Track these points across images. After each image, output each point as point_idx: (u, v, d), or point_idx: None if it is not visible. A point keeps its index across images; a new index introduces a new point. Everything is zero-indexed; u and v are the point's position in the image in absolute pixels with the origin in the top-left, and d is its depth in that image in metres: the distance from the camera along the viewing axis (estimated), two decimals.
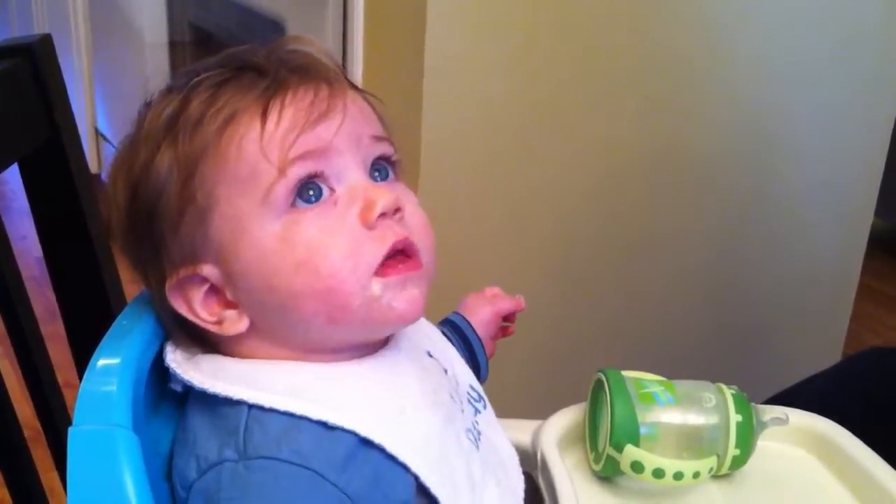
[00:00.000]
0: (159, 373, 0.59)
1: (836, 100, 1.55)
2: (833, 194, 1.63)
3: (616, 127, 1.37)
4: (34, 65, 0.74)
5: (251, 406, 0.54)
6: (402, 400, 0.58)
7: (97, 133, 2.63)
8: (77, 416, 0.53)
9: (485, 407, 0.67)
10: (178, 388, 0.58)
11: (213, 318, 0.57)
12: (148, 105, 0.58)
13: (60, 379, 0.79)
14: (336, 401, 0.55)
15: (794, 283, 1.65)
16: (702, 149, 1.46)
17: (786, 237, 1.61)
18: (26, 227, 0.81)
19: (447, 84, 1.22)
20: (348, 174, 0.56)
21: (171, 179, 0.55)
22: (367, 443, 0.54)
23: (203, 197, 0.55)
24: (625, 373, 0.73)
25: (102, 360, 0.56)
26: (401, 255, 0.56)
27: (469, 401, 0.65)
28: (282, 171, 0.54)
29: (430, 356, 0.64)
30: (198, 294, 0.57)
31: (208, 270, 0.56)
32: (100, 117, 2.62)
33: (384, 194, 0.56)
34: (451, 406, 0.61)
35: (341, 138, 0.56)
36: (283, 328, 0.57)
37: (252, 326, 0.57)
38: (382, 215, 0.56)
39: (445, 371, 0.64)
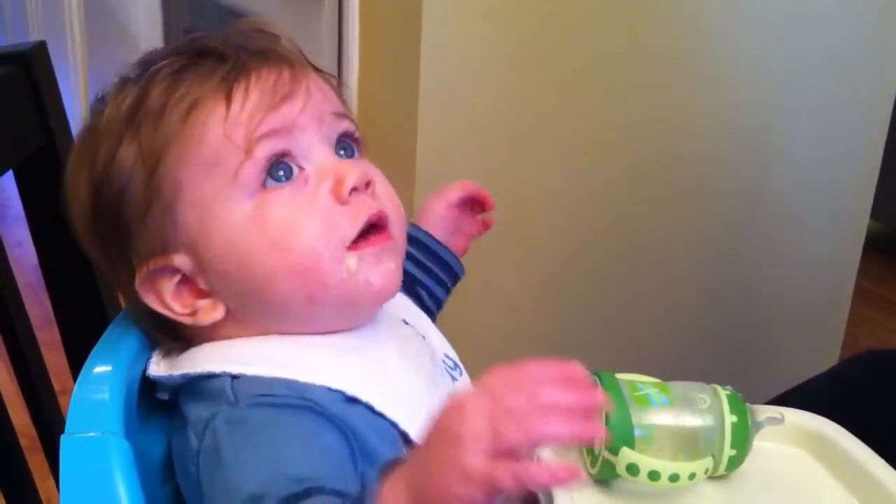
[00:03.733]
0: (151, 382, 0.59)
1: (832, 103, 1.55)
2: (829, 197, 1.63)
3: (613, 131, 1.37)
4: (29, 72, 0.75)
5: (233, 376, 0.53)
6: (386, 365, 0.58)
7: None
8: (69, 423, 0.53)
9: (461, 374, 0.67)
10: (165, 396, 0.58)
11: (187, 310, 0.56)
12: (101, 100, 0.57)
13: (56, 386, 0.79)
14: (320, 367, 0.55)
15: (791, 285, 1.65)
16: (698, 153, 1.46)
17: (782, 240, 1.61)
18: (22, 234, 0.81)
19: (443, 87, 1.22)
20: (315, 152, 0.56)
21: (137, 172, 0.54)
22: (353, 401, 0.53)
23: (169, 187, 0.54)
24: (619, 375, 0.73)
25: (94, 368, 0.56)
26: (373, 228, 0.56)
27: (445, 369, 0.65)
28: (248, 152, 0.54)
29: (407, 324, 0.64)
30: (169, 285, 0.56)
31: (179, 260, 0.55)
32: None
33: (354, 169, 0.56)
34: (433, 370, 0.61)
35: (305, 116, 0.56)
36: (260, 312, 0.56)
37: (229, 314, 0.56)
38: (354, 189, 0.55)
39: (423, 337, 0.64)
